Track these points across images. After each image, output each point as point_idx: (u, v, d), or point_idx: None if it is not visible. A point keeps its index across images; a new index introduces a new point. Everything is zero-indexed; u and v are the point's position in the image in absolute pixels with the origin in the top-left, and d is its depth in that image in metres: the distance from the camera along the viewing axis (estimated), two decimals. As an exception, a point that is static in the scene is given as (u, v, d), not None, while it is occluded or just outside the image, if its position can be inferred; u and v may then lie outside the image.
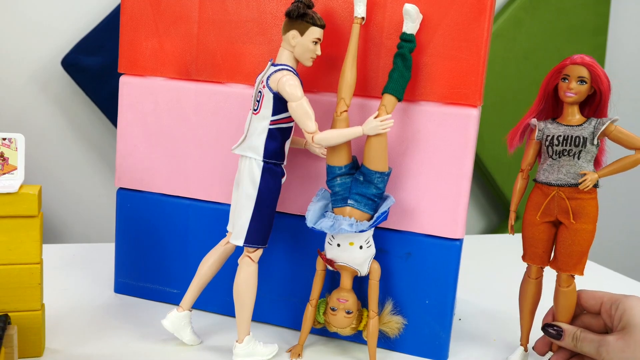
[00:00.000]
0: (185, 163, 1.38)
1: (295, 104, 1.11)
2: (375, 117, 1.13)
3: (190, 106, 1.35)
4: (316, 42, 1.15)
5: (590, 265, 1.99)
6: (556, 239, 1.22)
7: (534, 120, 1.23)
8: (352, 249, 1.17)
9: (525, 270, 1.28)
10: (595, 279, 1.85)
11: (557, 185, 1.19)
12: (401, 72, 1.15)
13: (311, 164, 1.28)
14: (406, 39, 1.15)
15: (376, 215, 1.16)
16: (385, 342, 1.28)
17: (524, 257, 1.26)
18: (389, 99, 1.14)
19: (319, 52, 1.16)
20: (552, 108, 1.25)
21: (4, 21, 2.58)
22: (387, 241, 1.26)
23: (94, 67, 2.70)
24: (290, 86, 1.11)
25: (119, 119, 1.42)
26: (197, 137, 1.36)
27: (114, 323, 1.33)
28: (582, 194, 1.18)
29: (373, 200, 1.16)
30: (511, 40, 3.16)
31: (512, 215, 1.27)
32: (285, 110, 1.14)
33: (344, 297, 1.20)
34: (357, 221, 1.15)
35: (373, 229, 1.17)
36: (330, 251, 1.19)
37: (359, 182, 1.16)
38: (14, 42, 2.65)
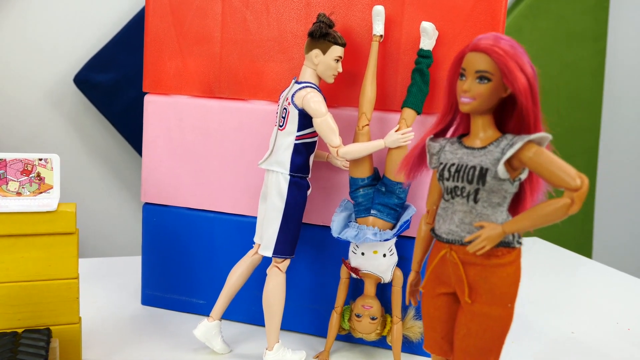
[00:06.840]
0: (210, 177, 1.42)
1: (320, 119, 1.16)
2: (396, 130, 1.18)
3: (213, 123, 1.40)
4: (338, 60, 1.19)
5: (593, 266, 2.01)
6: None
7: (428, 140, 0.88)
8: (376, 257, 1.21)
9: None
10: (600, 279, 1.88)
11: (447, 241, 0.81)
12: (419, 87, 1.19)
13: (333, 176, 1.33)
14: (424, 54, 1.20)
15: (399, 224, 1.20)
16: (409, 346, 1.32)
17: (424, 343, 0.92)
18: (409, 112, 1.19)
19: (340, 69, 1.20)
20: (468, 119, 0.86)
21: (17, 41, 2.61)
22: (408, 249, 1.30)
23: (106, 84, 2.73)
24: (315, 102, 1.16)
25: (144, 136, 1.46)
26: (221, 152, 1.40)
27: (144, 334, 1.37)
28: (487, 258, 0.76)
29: (395, 210, 1.21)
30: (512, 47, 3.20)
31: (414, 277, 0.92)
32: (310, 125, 1.18)
33: (369, 304, 1.24)
34: (380, 230, 1.19)
35: (396, 237, 1.21)
36: (355, 260, 1.23)
37: (381, 193, 1.21)
38: (26, 61, 2.68)
